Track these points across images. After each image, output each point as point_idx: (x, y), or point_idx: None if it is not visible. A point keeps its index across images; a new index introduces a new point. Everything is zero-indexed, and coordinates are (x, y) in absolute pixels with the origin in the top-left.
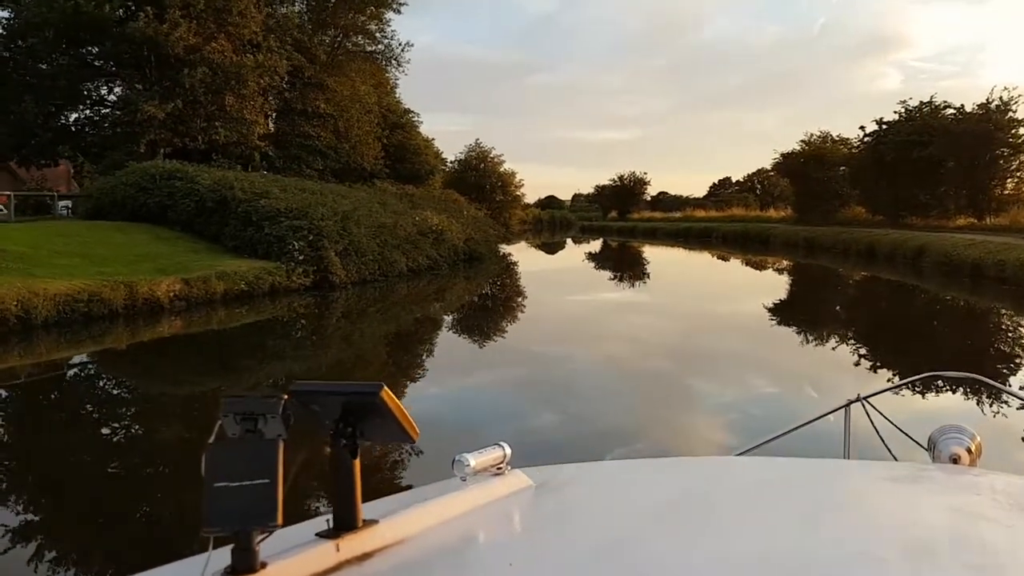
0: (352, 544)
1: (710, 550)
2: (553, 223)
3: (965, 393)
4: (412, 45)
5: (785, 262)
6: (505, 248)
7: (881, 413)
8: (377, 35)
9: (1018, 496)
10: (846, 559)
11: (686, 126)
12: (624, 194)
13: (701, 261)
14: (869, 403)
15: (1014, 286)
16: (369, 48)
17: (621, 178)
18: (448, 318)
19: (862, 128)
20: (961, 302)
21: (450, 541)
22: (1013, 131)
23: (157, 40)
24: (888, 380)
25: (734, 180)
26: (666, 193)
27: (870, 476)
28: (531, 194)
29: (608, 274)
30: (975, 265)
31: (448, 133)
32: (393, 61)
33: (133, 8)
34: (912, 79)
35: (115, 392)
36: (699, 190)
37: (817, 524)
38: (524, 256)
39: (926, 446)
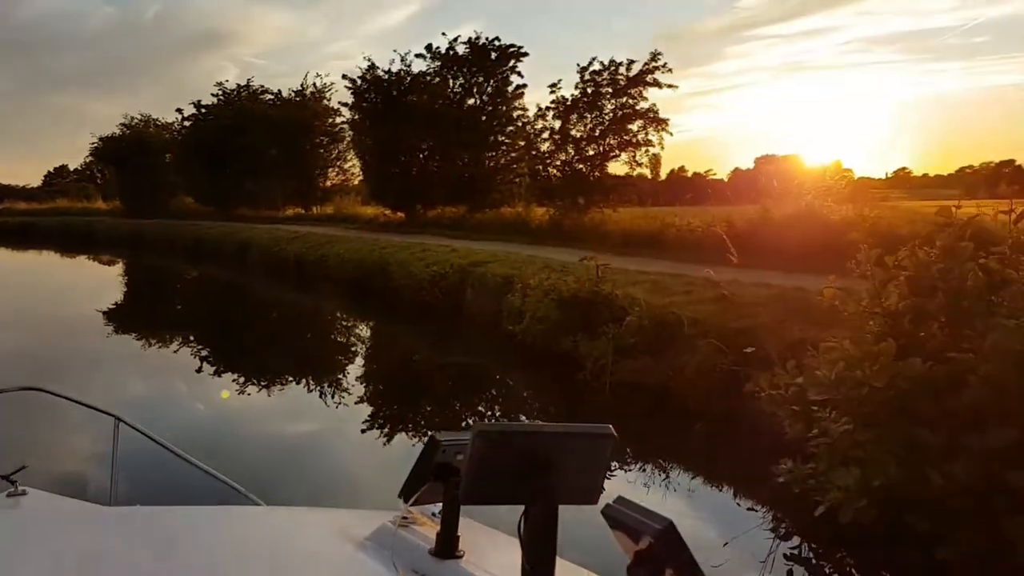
0: None
1: None
2: None
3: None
4: None
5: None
6: None
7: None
8: None
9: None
10: None
11: (22, 110)
12: None
13: None
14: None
15: (337, 283)
16: None
17: None
18: None
19: (179, 111)
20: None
21: None
22: (330, 119)
23: None
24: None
25: (71, 168)
26: None
27: None
28: None
29: None
30: (299, 261)
31: None
32: None
33: None
34: (248, 72)
35: None
36: (36, 179)
37: None
38: None
39: None
